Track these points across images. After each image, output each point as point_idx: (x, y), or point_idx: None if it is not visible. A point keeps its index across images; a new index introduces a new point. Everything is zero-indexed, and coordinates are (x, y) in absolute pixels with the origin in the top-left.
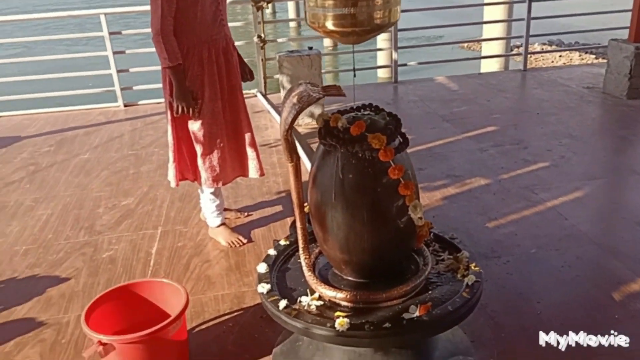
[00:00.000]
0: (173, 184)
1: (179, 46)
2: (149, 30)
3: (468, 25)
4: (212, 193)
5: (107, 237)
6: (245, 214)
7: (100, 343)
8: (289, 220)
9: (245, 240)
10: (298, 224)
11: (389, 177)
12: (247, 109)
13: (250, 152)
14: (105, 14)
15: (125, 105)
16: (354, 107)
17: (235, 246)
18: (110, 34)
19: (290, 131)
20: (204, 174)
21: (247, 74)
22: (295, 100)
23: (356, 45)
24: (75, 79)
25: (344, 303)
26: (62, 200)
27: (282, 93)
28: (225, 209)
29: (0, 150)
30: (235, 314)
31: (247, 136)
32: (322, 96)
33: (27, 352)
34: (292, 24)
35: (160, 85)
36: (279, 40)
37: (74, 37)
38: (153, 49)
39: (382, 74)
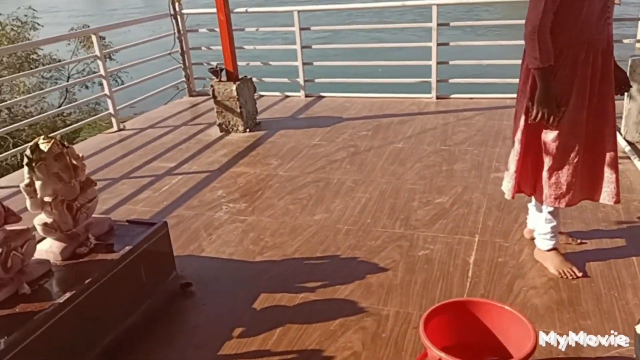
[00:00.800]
0: (508, 196)
1: (553, 45)
2: (469, 22)
3: None
4: (550, 212)
5: (422, 233)
6: (578, 240)
7: None
8: (635, 260)
9: (579, 274)
10: None
11: None
12: (616, 124)
13: (608, 173)
14: (438, 5)
15: (438, 98)
16: None
17: (567, 277)
18: (439, 25)
19: None
20: (547, 190)
21: (622, 83)
22: None
23: None
24: (391, 68)
25: None
26: (378, 187)
27: (628, 101)
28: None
29: (326, 128)
30: None
31: (609, 155)
32: None
33: (350, 336)
34: None
35: (474, 80)
36: None
37: (403, 26)
38: (477, 42)
39: None
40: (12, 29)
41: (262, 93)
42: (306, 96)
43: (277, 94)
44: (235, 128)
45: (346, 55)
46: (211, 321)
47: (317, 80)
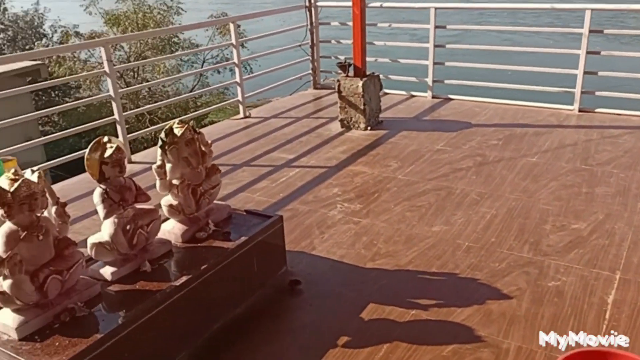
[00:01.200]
0: None
1: None
2: (625, 31)
3: None
4: None
5: (553, 262)
6: None
7: None
8: None
9: None
10: None
11: None
12: None
13: None
14: (592, 10)
15: (580, 111)
16: None
17: None
18: (591, 32)
19: None
20: None
21: None
22: None
23: None
24: (520, 74)
25: None
26: (506, 203)
27: None
28: None
29: (452, 133)
30: None
31: None
32: None
33: None
34: None
35: (624, 95)
36: None
37: (553, 30)
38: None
39: None
40: (159, 13)
41: (386, 90)
42: (433, 97)
43: (403, 92)
44: (356, 125)
45: (475, 56)
46: (317, 324)
47: (446, 82)
